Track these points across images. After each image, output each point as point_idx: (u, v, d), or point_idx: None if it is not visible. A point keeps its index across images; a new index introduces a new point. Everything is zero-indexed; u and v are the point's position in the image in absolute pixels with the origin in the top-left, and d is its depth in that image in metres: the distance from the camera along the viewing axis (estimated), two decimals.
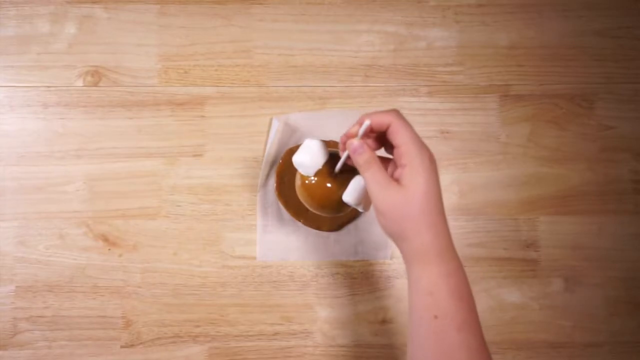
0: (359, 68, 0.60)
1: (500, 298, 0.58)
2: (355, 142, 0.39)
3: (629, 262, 0.58)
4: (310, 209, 0.48)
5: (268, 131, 0.59)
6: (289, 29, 0.60)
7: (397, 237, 0.38)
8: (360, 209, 0.44)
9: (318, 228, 0.57)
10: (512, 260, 0.58)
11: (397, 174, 0.38)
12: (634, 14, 0.61)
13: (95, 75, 0.59)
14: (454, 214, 0.59)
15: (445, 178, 0.59)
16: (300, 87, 0.60)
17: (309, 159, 0.44)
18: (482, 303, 0.58)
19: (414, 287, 0.37)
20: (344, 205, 0.45)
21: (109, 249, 0.57)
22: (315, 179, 0.45)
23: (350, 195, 0.43)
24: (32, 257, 0.57)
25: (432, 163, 0.38)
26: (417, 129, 0.59)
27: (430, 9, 0.61)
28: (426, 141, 0.58)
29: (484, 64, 0.60)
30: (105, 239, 0.57)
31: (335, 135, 0.58)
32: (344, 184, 0.44)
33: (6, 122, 0.58)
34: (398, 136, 0.38)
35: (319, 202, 0.46)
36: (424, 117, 0.60)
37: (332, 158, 0.45)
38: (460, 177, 0.59)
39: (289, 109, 0.59)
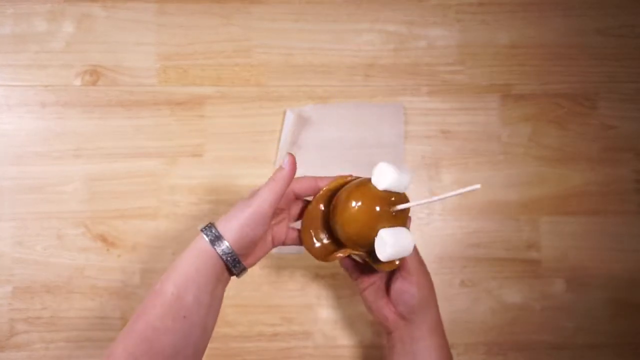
0: (359, 67, 0.60)
1: (501, 299, 0.58)
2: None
3: (632, 262, 0.58)
4: (347, 234, 0.42)
5: (282, 125, 0.58)
6: (289, 28, 0.60)
7: (425, 306, 0.45)
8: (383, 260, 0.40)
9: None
10: (513, 260, 0.58)
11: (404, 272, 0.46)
12: (636, 12, 0.61)
13: (94, 75, 0.59)
14: (454, 214, 0.58)
15: (446, 178, 0.59)
16: (300, 86, 0.59)
17: (397, 177, 0.40)
18: (483, 304, 0.58)
19: (433, 353, 0.44)
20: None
21: (108, 250, 0.57)
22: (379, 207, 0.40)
23: (392, 244, 0.39)
24: (29, 258, 0.57)
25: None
26: (418, 128, 0.59)
27: (431, 8, 0.61)
28: (427, 141, 0.59)
29: (485, 64, 0.60)
30: (104, 239, 0.57)
31: (348, 126, 0.58)
32: (395, 221, 0.41)
33: (3, 121, 0.58)
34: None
35: (364, 228, 0.40)
36: (425, 116, 0.59)
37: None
38: (461, 177, 0.59)
39: (288, 108, 0.59)
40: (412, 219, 0.58)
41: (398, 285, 0.45)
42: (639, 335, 0.57)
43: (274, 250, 0.57)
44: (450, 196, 0.38)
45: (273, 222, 0.45)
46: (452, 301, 0.57)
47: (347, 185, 0.43)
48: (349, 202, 0.41)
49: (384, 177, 0.40)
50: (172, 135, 0.58)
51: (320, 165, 0.58)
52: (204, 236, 0.41)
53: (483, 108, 0.60)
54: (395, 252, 0.39)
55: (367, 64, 0.60)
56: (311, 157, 0.57)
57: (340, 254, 0.42)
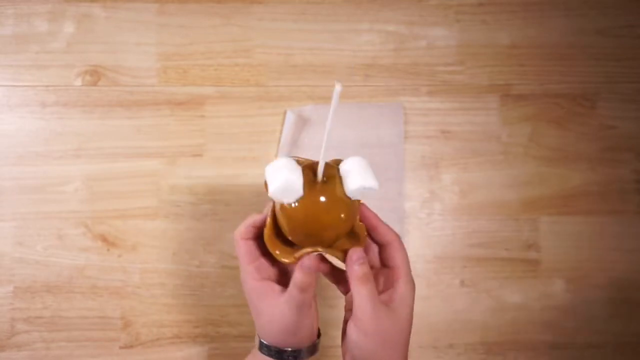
0: (359, 67, 0.60)
1: (501, 299, 0.58)
2: (358, 251, 0.37)
3: (631, 262, 0.58)
4: (300, 237, 0.37)
5: (282, 125, 0.59)
6: (289, 28, 0.60)
7: (367, 356, 0.36)
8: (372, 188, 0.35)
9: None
10: (513, 260, 0.58)
11: (385, 296, 0.37)
12: (636, 12, 0.61)
13: (94, 75, 0.59)
14: (454, 214, 0.58)
15: (445, 178, 0.59)
16: (300, 86, 0.59)
17: (286, 181, 0.34)
18: (483, 304, 0.58)
19: None
20: (344, 212, 0.36)
21: (108, 249, 0.57)
22: (299, 201, 0.35)
23: (364, 178, 0.35)
24: (30, 258, 0.57)
25: (414, 293, 0.38)
26: (418, 128, 0.59)
27: (431, 8, 0.61)
28: (426, 141, 0.59)
29: (485, 64, 0.60)
30: (104, 239, 0.57)
31: (348, 126, 0.58)
32: (334, 191, 0.36)
33: (4, 121, 0.58)
34: (396, 257, 0.38)
35: (318, 222, 0.36)
36: (425, 116, 0.59)
37: (306, 172, 0.36)
38: (461, 177, 0.59)
39: (289, 108, 0.59)
40: (412, 219, 0.58)
41: (349, 325, 0.36)
42: (639, 335, 0.57)
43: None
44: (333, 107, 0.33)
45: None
46: (452, 301, 0.57)
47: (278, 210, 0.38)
48: (281, 207, 0.36)
49: (286, 196, 0.35)
50: (172, 135, 0.58)
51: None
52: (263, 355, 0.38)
53: (483, 108, 0.60)
54: (274, 183, 0.34)
55: (367, 64, 0.60)
56: (311, 157, 0.57)
57: (303, 252, 0.37)
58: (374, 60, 0.60)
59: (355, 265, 0.36)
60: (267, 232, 0.38)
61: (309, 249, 0.36)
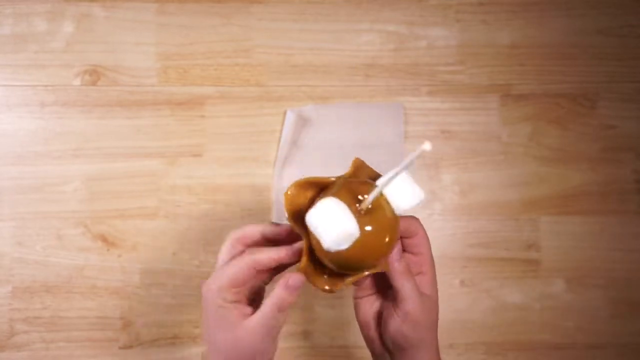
0: (359, 67, 0.60)
1: (501, 299, 0.58)
2: (396, 249, 0.37)
3: (632, 262, 0.58)
4: (346, 269, 0.35)
5: (282, 125, 0.58)
6: (289, 28, 0.60)
7: (416, 346, 0.37)
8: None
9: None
10: (513, 260, 0.58)
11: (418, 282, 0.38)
12: (637, 12, 0.61)
13: (94, 75, 0.59)
14: (454, 214, 0.58)
15: (446, 178, 0.59)
16: (300, 86, 0.59)
17: (343, 231, 0.32)
18: (483, 304, 0.58)
19: None
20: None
21: (108, 250, 0.57)
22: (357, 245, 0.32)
23: (414, 194, 0.34)
24: (29, 258, 0.56)
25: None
26: (418, 128, 0.59)
27: (431, 8, 0.61)
28: (427, 141, 0.58)
29: (485, 63, 0.60)
30: (104, 239, 0.57)
31: (348, 126, 0.58)
32: (383, 216, 0.34)
33: (3, 121, 0.58)
34: (421, 245, 0.39)
35: (370, 253, 0.34)
36: (425, 116, 0.59)
37: (347, 200, 0.33)
38: (461, 177, 0.59)
39: (289, 108, 0.59)
40: None
41: (390, 321, 0.37)
42: (639, 335, 0.57)
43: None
44: (406, 165, 0.31)
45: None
46: (452, 301, 0.57)
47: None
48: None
49: (341, 244, 0.32)
50: (172, 135, 0.58)
51: (320, 165, 0.58)
52: None
53: (483, 108, 0.60)
54: (329, 236, 0.32)
55: (367, 64, 0.60)
56: (311, 157, 0.57)
57: (350, 281, 0.35)
58: (374, 60, 0.60)
59: (396, 263, 0.37)
60: (307, 270, 0.35)
61: (358, 276, 0.35)
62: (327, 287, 0.35)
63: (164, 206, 0.57)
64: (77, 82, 0.59)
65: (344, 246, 0.32)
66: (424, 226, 0.38)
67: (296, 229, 0.35)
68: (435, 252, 0.59)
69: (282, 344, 0.56)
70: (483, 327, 0.57)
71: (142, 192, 0.58)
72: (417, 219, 0.38)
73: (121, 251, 0.57)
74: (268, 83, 0.59)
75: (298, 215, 0.35)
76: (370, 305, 0.39)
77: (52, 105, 0.58)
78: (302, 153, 0.58)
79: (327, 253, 0.33)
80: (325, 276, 0.36)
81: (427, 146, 0.28)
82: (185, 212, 0.57)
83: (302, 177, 0.35)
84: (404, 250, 0.39)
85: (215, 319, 0.35)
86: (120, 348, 0.56)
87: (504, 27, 0.61)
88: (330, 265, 0.35)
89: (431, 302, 0.38)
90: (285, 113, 0.58)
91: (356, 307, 0.40)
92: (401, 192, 0.34)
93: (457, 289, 0.58)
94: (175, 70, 0.59)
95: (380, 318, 0.39)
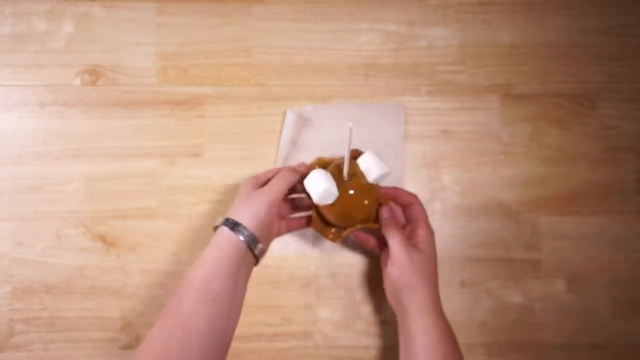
0: (359, 67, 0.60)
1: (502, 299, 0.58)
2: (386, 209, 0.51)
3: (632, 262, 0.58)
4: (341, 222, 0.51)
5: (282, 125, 0.58)
6: (289, 28, 0.60)
7: (409, 288, 0.47)
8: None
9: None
10: (514, 261, 0.58)
11: (412, 241, 0.50)
12: (638, 11, 0.61)
13: (93, 74, 0.59)
14: (455, 214, 0.58)
15: (446, 178, 0.59)
16: (300, 86, 0.59)
17: (324, 190, 0.47)
18: (483, 304, 0.58)
19: (424, 333, 0.46)
20: (367, 208, 0.50)
21: (107, 250, 0.57)
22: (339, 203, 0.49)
23: (379, 168, 0.49)
24: (29, 258, 0.56)
25: (434, 237, 0.51)
26: (418, 128, 0.59)
27: (432, 7, 0.61)
28: (427, 141, 0.59)
29: (486, 63, 0.60)
30: (104, 239, 0.57)
31: (348, 127, 0.58)
32: (359, 184, 0.49)
33: (3, 121, 0.58)
34: (415, 212, 0.51)
35: (352, 210, 0.50)
36: (425, 116, 0.59)
37: (335, 172, 0.50)
38: (461, 177, 0.59)
39: (289, 108, 0.59)
40: None
41: (386, 267, 0.49)
42: None
43: (276, 252, 0.57)
44: (349, 146, 0.45)
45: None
46: (452, 301, 0.57)
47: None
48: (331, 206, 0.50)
49: (325, 199, 0.49)
50: (172, 135, 0.58)
51: None
52: (224, 227, 0.46)
53: (484, 108, 0.59)
54: (316, 193, 0.48)
55: (367, 63, 0.60)
56: (311, 157, 0.57)
57: (348, 231, 0.51)
58: (375, 60, 0.60)
59: (384, 220, 0.50)
60: (316, 223, 0.52)
61: (351, 229, 0.51)
62: (330, 236, 0.52)
63: (163, 206, 0.57)
64: (76, 82, 0.59)
65: (329, 201, 0.48)
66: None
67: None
68: None
69: (282, 344, 0.56)
70: (483, 328, 0.57)
71: (142, 192, 0.57)
72: (414, 195, 0.52)
73: (121, 251, 0.57)
74: (268, 83, 0.59)
75: None
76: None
77: (51, 105, 0.58)
78: (302, 153, 0.58)
79: (324, 207, 0.49)
80: (333, 230, 0.52)
81: (350, 124, 0.42)
82: (185, 212, 0.57)
83: (317, 157, 0.55)
84: (406, 219, 0.52)
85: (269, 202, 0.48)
86: (120, 348, 0.56)
87: (504, 27, 0.60)
88: (331, 219, 0.50)
89: (424, 256, 0.48)
90: (285, 113, 0.58)
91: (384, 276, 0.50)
92: (372, 168, 0.49)
93: (458, 289, 0.58)
94: (175, 70, 0.59)
95: None
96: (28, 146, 0.58)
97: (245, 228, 0.46)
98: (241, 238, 0.45)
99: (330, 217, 0.50)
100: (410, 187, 0.58)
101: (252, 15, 0.60)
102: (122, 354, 0.56)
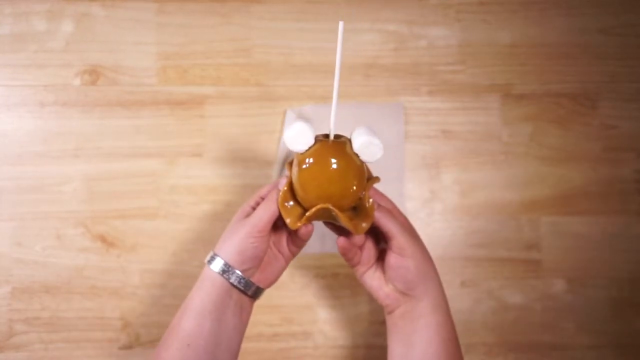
0: (359, 67, 0.60)
1: (502, 299, 0.57)
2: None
3: (633, 263, 0.58)
4: (312, 197, 0.40)
5: (282, 125, 0.58)
6: (289, 28, 0.60)
7: (421, 275, 0.43)
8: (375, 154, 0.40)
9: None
10: (514, 261, 0.58)
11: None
12: (638, 11, 0.61)
13: (93, 74, 0.59)
14: (455, 214, 0.58)
15: (446, 178, 0.59)
16: (300, 86, 0.59)
17: (300, 127, 0.39)
18: (483, 304, 0.58)
19: (436, 331, 0.42)
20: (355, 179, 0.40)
21: (107, 250, 0.57)
22: (311, 159, 0.39)
23: (369, 135, 0.40)
24: (28, 258, 0.56)
25: (418, 242, 0.45)
26: (418, 128, 0.59)
27: (432, 7, 0.61)
28: (427, 141, 0.59)
29: (486, 63, 0.60)
30: (104, 239, 0.57)
31: (348, 126, 0.58)
32: (343, 148, 0.39)
33: (2, 121, 0.58)
34: (387, 227, 0.43)
35: (327, 177, 0.39)
36: (425, 116, 0.59)
37: (320, 135, 0.41)
38: (461, 177, 0.59)
39: (289, 108, 0.58)
40: (413, 219, 0.58)
41: (392, 261, 0.42)
42: None
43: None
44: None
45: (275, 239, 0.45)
46: (452, 301, 0.56)
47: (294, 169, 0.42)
48: (301, 165, 0.40)
49: (298, 145, 0.40)
50: (172, 135, 0.58)
51: None
52: (206, 262, 0.43)
53: (484, 108, 0.59)
54: (289, 132, 0.39)
55: (367, 63, 0.60)
56: None
57: (309, 213, 0.40)
58: (375, 59, 0.60)
59: (381, 207, 0.43)
60: (284, 197, 0.41)
61: (320, 205, 0.39)
62: (289, 220, 0.41)
63: (163, 206, 0.57)
64: (76, 81, 0.59)
65: (301, 147, 0.39)
66: (425, 225, 0.42)
67: (287, 168, 0.42)
68: (435, 252, 0.59)
69: (282, 344, 0.56)
70: (484, 328, 0.57)
71: (141, 192, 0.57)
72: (394, 225, 0.43)
73: (121, 251, 0.57)
74: (268, 83, 0.59)
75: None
76: (372, 273, 0.45)
77: (51, 105, 0.58)
78: None
79: (296, 169, 0.40)
80: (299, 212, 0.41)
81: (341, 22, 0.38)
82: (185, 212, 0.57)
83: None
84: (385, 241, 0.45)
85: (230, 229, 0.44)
86: (119, 348, 0.56)
87: (504, 27, 0.60)
88: (299, 192, 0.40)
89: (420, 247, 0.44)
90: (285, 113, 0.58)
91: (363, 282, 0.45)
92: (360, 134, 0.40)
93: (458, 289, 0.58)
94: (175, 69, 0.59)
95: (385, 276, 0.44)
96: (28, 146, 0.58)
97: (226, 264, 0.41)
98: (218, 272, 0.41)
99: (299, 184, 0.40)
100: (410, 187, 0.58)
101: (252, 15, 0.60)
102: (122, 354, 0.56)
